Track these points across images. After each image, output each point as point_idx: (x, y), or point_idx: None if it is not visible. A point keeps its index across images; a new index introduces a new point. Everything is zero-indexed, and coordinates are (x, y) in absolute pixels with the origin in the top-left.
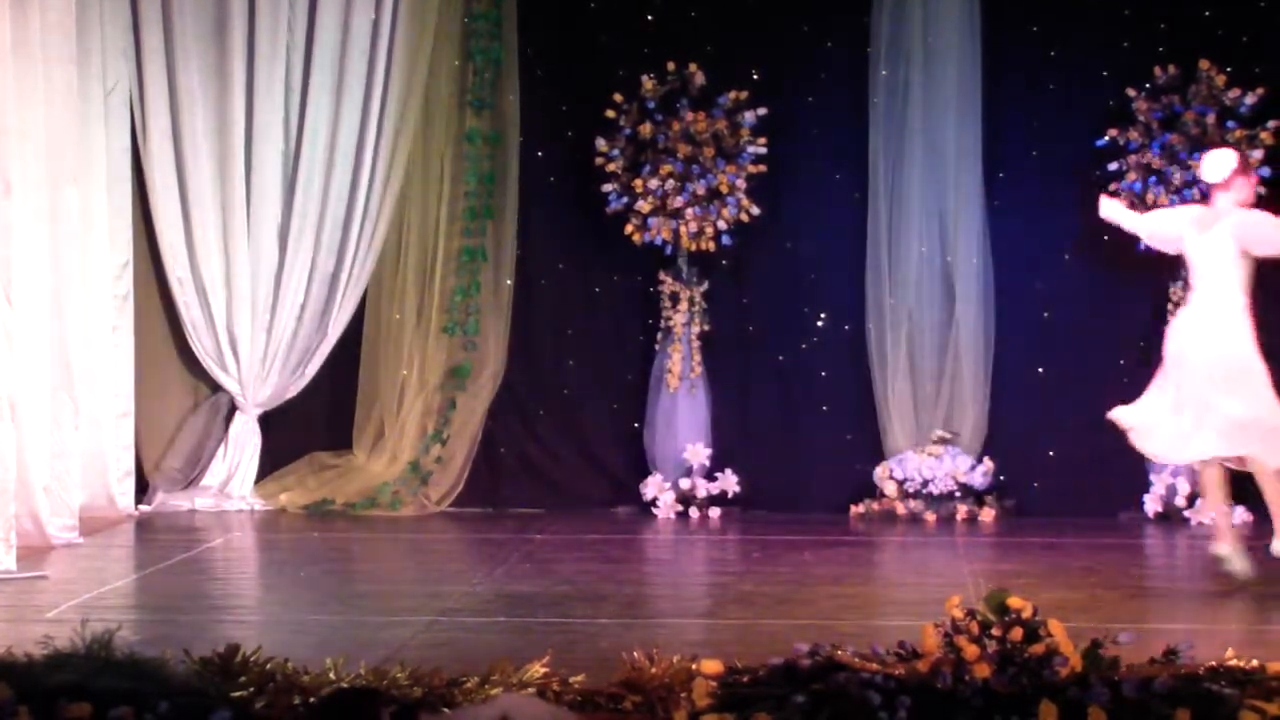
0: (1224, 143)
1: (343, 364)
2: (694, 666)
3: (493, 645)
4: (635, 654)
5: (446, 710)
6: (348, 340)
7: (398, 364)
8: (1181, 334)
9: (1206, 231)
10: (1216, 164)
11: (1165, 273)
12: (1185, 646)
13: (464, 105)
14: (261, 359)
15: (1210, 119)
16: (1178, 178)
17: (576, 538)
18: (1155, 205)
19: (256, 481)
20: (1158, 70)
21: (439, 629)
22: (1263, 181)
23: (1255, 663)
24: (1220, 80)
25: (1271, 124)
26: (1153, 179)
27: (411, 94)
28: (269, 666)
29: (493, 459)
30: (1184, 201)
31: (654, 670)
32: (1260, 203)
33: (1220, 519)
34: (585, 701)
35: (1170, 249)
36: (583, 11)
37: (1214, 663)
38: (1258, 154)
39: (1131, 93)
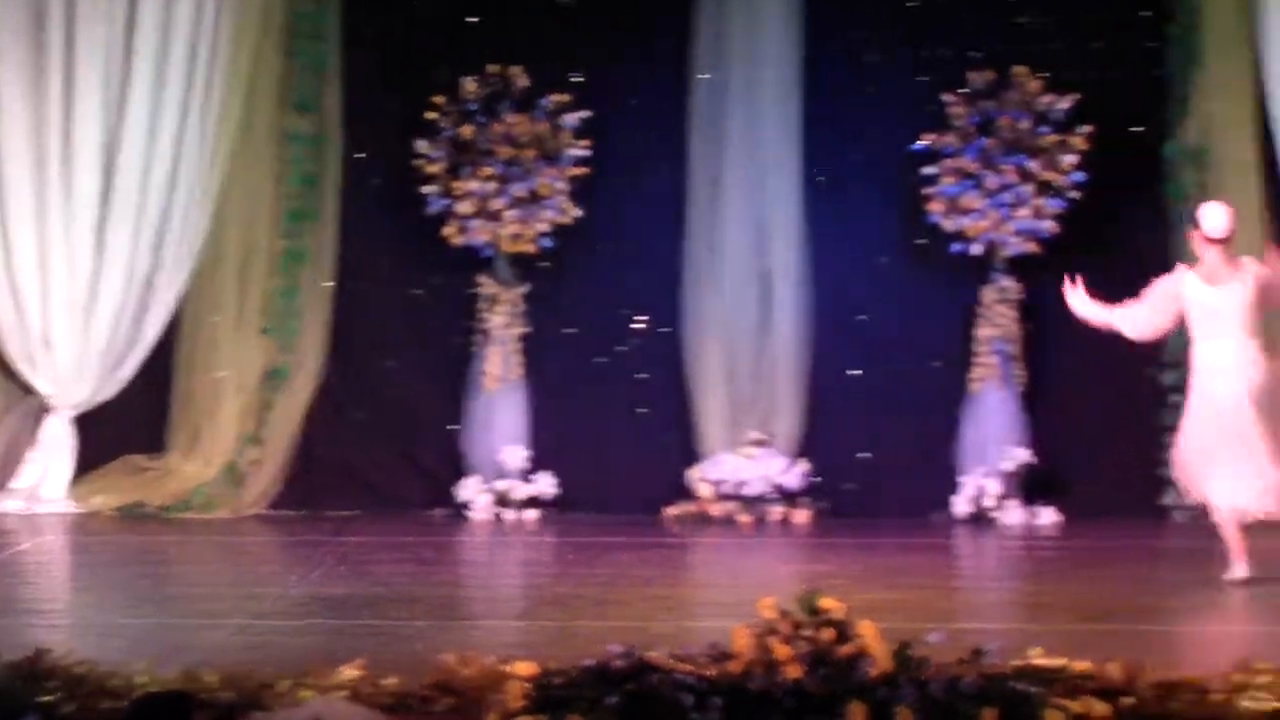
0: (1037, 147)
1: (159, 365)
2: (507, 668)
3: (307, 648)
4: (449, 656)
5: (257, 714)
6: (165, 341)
7: (215, 365)
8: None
9: (1220, 285)
10: (1222, 218)
11: (978, 277)
12: (992, 646)
13: (286, 106)
14: (76, 361)
15: (1025, 124)
16: (992, 182)
17: (393, 540)
18: (971, 210)
19: (70, 484)
20: (973, 75)
21: (253, 632)
22: (1076, 186)
23: (1059, 661)
24: (1034, 86)
25: (1084, 129)
26: (968, 183)
27: (233, 93)
28: (78, 670)
29: (309, 461)
30: (998, 207)
31: (467, 672)
32: (1075, 209)
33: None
34: (398, 704)
35: (1165, 321)
36: (405, 13)
37: (1020, 662)
38: (1071, 159)
39: (948, 97)
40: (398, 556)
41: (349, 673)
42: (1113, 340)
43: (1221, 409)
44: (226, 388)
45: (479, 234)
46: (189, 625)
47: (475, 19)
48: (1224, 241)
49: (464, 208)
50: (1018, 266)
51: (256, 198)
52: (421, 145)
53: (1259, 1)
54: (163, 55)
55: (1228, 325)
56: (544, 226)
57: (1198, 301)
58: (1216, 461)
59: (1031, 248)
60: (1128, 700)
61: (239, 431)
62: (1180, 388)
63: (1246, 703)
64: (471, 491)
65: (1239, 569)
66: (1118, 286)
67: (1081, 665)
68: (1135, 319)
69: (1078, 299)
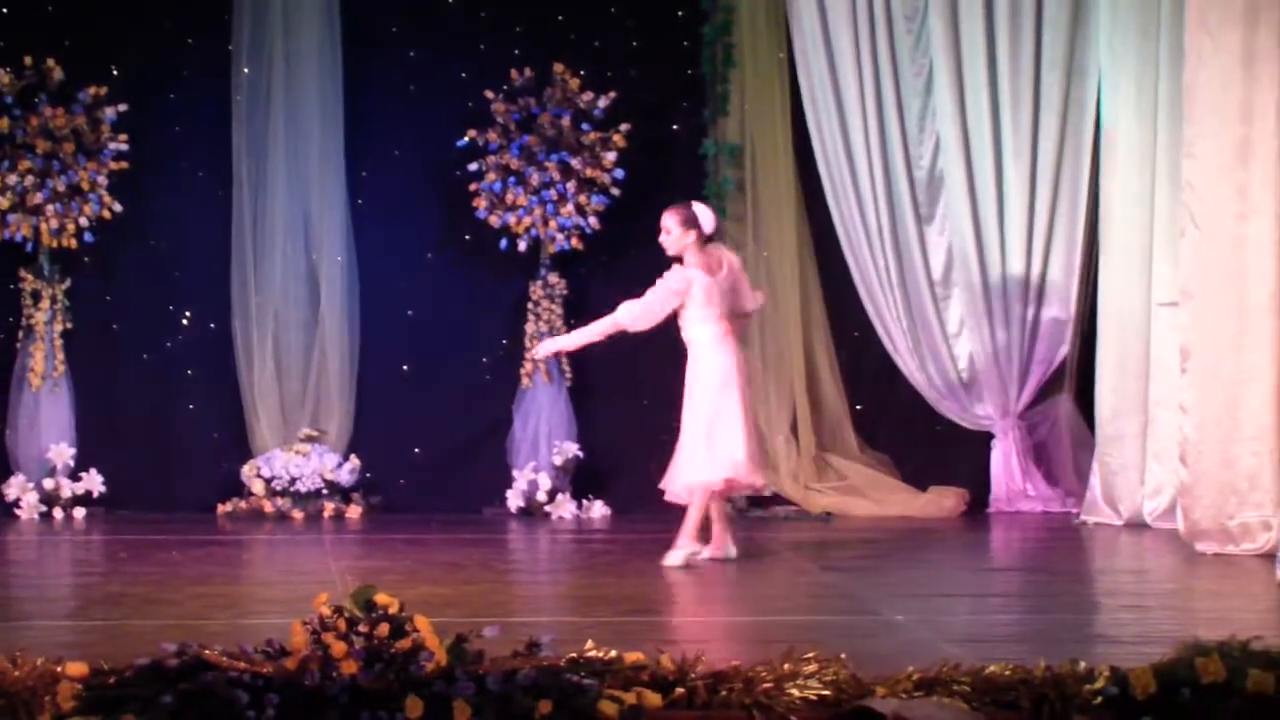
0: (579, 145)
1: None
2: (58, 669)
3: None
4: None
5: None
6: None
7: None
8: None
9: (719, 274)
10: (712, 216)
11: (525, 273)
12: (547, 639)
13: None
14: None
15: (565, 121)
16: (535, 179)
17: None
18: (515, 205)
19: None
20: (514, 73)
21: None
22: (618, 183)
23: (613, 653)
24: (574, 83)
25: (624, 127)
26: (512, 179)
27: None
28: None
29: None
30: (543, 203)
31: (17, 674)
32: (617, 205)
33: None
34: None
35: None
36: None
37: (574, 654)
38: (611, 156)
39: (489, 94)
40: None
41: None
42: (657, 336)
43: (708, 384)
44: None
45: (19, 228)
46: None
47: (7, 9)
48: (713, 237)
49: (2, 202)
50: (563, 262)
51: None
52: None
53: (791, 2)
54: None
55: (716, 310)
56: (85, 221)
57: (698, 291)
58: (701, 437)
59: (576, 244)
60: (680, 691)
61: None
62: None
63: (794, 690)
64: (17, 490)
65: (693, 547)
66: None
67: (634, 656)
68: (636, 315)
69: (556, 343)
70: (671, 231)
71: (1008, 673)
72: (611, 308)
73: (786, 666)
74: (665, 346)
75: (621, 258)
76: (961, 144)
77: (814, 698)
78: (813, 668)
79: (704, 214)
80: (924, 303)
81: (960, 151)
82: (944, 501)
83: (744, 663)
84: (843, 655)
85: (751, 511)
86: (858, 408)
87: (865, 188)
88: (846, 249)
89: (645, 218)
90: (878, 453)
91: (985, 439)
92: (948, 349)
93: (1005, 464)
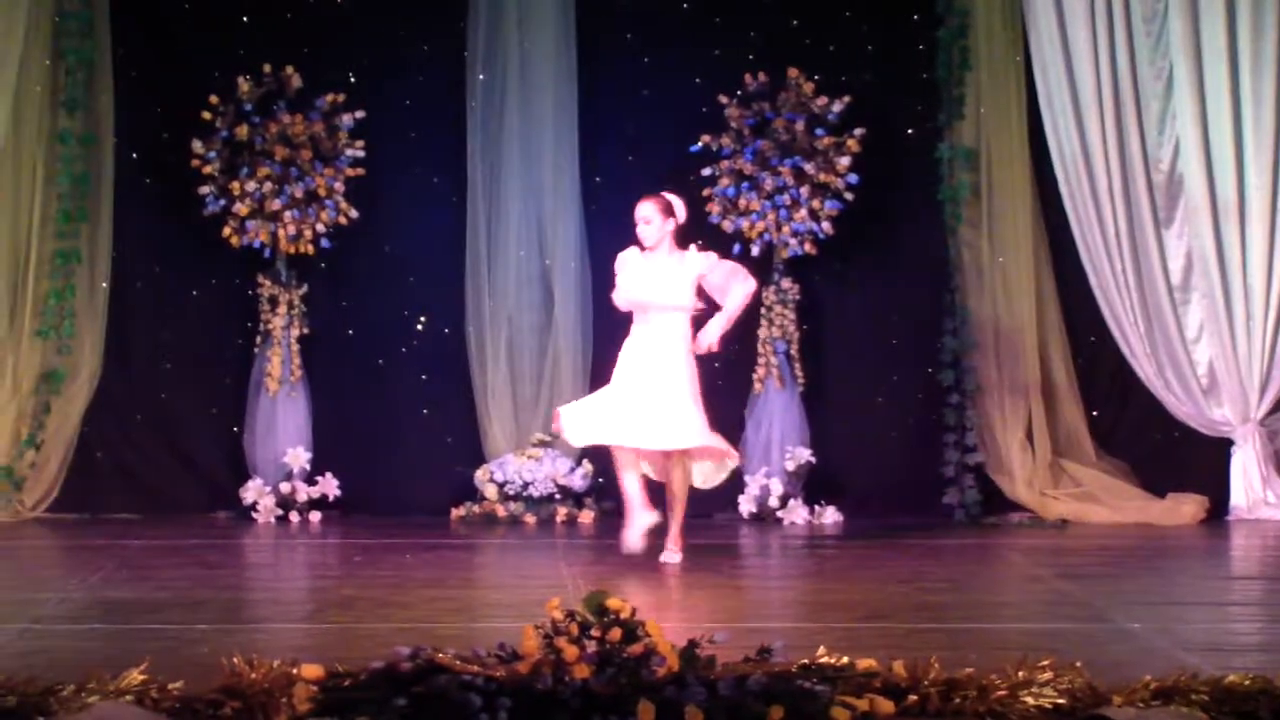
0: (813, 149)
1: None
2: (294, 671)
3: (89, 652)
4: (235, 659)
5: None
6: None
7: None
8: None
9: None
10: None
11: (758, 277)
12: (779, 645)
13: (56, 105)
14: None
15: (799, 126)
16: (769, 183)
17: (175, 543)
18: (748, 210)
19: None
20: (748, 78)
21: (32, 636)
22: (851, 188)
23: (845, 660)
24: (808, 88)
25: (858, 131)
26: (745, 184)
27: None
28: None
29: (89, 464)
30: (776, 208)
31: (254, 675)
32: (850, 210)
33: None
34: (184, 708)
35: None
36: (176, 12)
37: (806, 660)
38: (845, 161)
39: (723, 99)
40: (180, 560)
41: (134, 677)
42: (890, 341)
43: (643, 368)
44: (2, 390)
45: (257, 235)
46: None
47: (248, 18)
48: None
49: (241, 208)
50: (796, 267)
51: (27, 199)
52: (197, 145)
53: (1028, 4)
54: None
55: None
56: (322, 227)
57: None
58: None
59: (809, 249)
60: (912, 698)
61: (16, 434)
62: (958, 387)
63: (1029, 699)
64: (255, 494)
65: (647, 519)
66: (893, 287)
67: (866, 663)
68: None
69: (715, 330)
70: (652, 221)
71: (1248, 683)
72: (844, 312)
73: (1021, 674)
74: (898, 351)
75: (854, 262)
76: (1202, 146)
77: (1049, 706)
78: (1048, 675)
79: (678, 203)
80: (1162, 307)
81: (1200, 154)
82: (1182, 508)
83: (977, 670)
84: (1079, 663)
85: (986, 518)
86: (1094, 413)
87: (1103, 191)
88: (1083, 253)
89: (879, 223)
90: (1114, 459)
91: (1225, 445)
92: (1186, 354)
93: (1245, 471)
